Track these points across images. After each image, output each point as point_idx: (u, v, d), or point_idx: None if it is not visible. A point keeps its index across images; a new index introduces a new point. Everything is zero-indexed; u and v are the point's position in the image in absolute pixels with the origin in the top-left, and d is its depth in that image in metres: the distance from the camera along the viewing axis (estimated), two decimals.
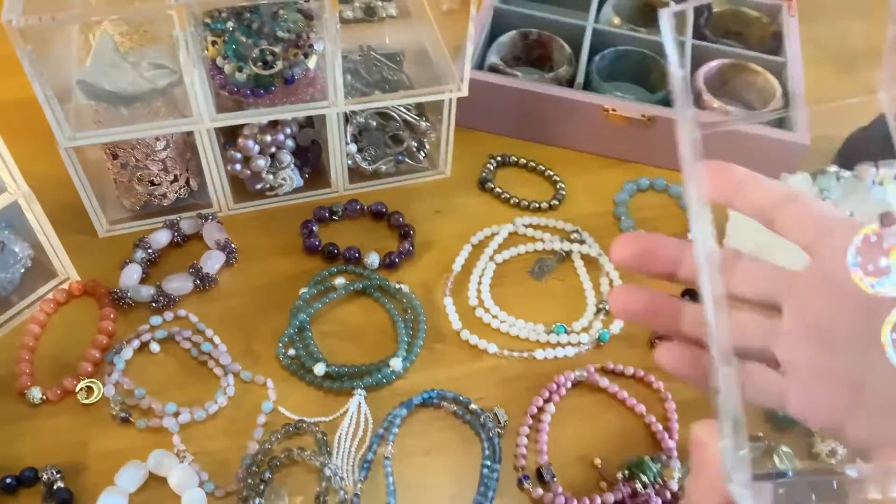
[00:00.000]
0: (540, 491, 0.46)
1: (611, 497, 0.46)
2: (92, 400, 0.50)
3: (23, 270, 0.54)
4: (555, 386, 0.51)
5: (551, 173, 0.66)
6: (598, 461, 0.48)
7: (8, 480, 0.45)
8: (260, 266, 0.58)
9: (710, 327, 0.26)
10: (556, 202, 0.63)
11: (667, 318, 0.32)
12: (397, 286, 0.56)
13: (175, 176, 0.59)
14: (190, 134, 0.56)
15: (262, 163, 0.59)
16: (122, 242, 0.58)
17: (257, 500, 0.45)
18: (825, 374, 0.27)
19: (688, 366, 0.31)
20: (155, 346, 0.52)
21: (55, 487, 0.45)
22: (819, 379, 0.27)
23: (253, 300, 0.56)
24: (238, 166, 0.59)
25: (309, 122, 0.62)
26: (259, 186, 0.60)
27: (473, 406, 0.50)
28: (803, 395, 0.28)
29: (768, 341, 0.29)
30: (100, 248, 0.58)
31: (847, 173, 0.56)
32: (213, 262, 0.56)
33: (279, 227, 0.60)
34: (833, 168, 0.57)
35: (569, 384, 0.52)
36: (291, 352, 0.52)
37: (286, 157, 0.60)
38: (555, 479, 0.47)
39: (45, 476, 0.45)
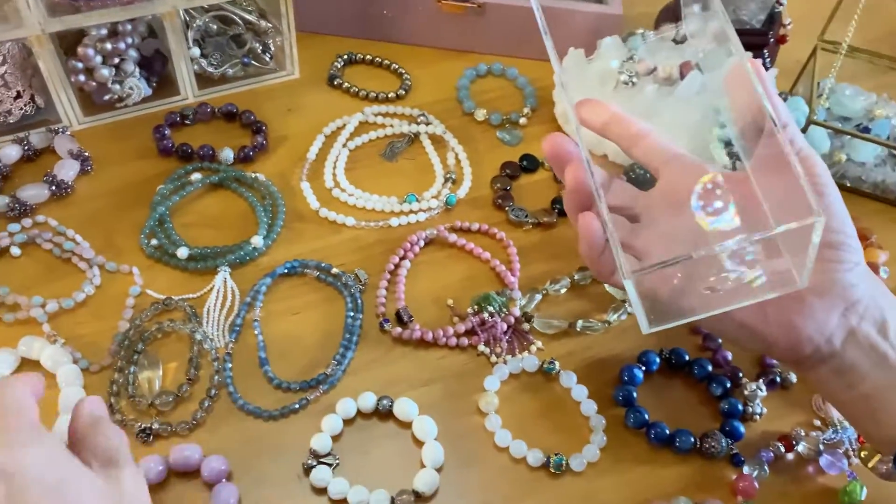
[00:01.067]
0: (399, 330, 0.51)
1: (462, 327, 0.51)
2: None
3: None
4: (408, 244, 0.56)
5: (396, 66, 0.70)
6: (450, 301, 0.53)
7: None
8: (116, 171, 0.59)
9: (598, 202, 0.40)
10: (403, 92, 0.67)
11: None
12: (254, 175, 0.59)
13: (18, 92, 0.59)
14: (30, 51, 0.56)
15: (106, 72, 0.60)
16: None
17: (132, 369, 0.48)
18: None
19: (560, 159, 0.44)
20: (15, 250, 0.53)
21: None
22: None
23: (112, 202, 0.57)
24: (82, 77, 0.59)
25: (151, 33, 0.63)
26: (107, 98, 0.61)
27: (335, 270, 0.54)
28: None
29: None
30: None
31: (651, 34, 0.63)
32: (67, 169, 0.57)
33: (132, 136, 0.62)
34: (640, 30, 0.64)
35: (422, 242, 0.57)
36: (154, 241, 0.54)
37: (130, 66, 0.61)
38: (412, 319, 0.52)
39: None
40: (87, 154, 0.59)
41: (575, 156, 0.43)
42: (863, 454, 0.42)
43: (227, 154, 0.60)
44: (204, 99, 0.64)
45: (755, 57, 0.63)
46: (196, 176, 0.58)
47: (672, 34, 0.64)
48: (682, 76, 0.60)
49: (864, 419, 0.40)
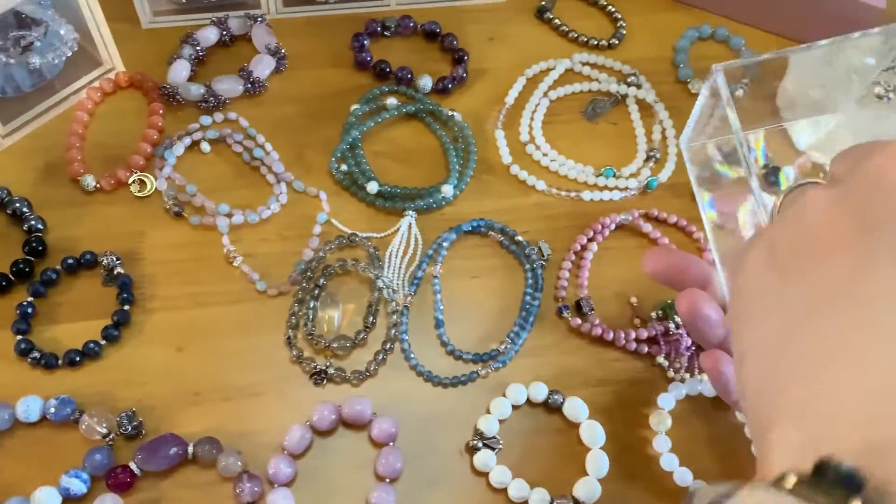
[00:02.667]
0: (578, 321, 0.49)
1: (644, 333, 0.49)
2: (145, 193, 0.50)
3: (69, 53, 0.51)
4: (599, 226, 0.53)
5: (612, 9, 0.63)
6: (634, 299, 0.50)
7: (70, 261, 0.46)
8: (310, 75, 0.56)
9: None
10: (616, 41, 0.61)
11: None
12: (450, 113, 0.55)
13: None
14: None
15: None
16: (167, 37, 0.56)
17: (312, 304, 0.47)
18: None
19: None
20: (206, 146, 0.52)
21: (115, 272, 0.46)
22: None
23: (303, 110, 0.55)
24: None
25: None
26: None
27: (519, 238, 0.51)
28: None
29: None
30: (143, 39, 0.56)
31: None
32: (263, 66, 0.55)
33: (330, 37, 0.58)
34: None
35: (613, 226, 0.53)
36: (344, 167, 0.52)
37: None
38: (592, 311, 0.49)
39: (104, 261, 0.46)
40: (283, 52, 0.56)
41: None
42: None
43: (426, 82, 0.56)
44: (407, 9, 0.60)
45: None
46: (392, 101, 0.55)
47: None
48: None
49: None
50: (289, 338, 0.46)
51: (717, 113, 0.37)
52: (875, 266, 0.22)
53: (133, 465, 0.40)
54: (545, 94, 0.58)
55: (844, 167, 0.27)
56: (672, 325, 0.49)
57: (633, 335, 0.48)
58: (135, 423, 0.41)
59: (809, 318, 0.23)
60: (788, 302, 0.25)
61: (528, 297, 0.49)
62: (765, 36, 0.63)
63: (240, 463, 0.41)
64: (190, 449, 0.41)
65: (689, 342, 0.49)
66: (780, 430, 0.22)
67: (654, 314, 0.50)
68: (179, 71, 0.53)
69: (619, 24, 0.62)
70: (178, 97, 0.52)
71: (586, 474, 0.44)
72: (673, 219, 0.54)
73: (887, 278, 0.22)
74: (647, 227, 0.53)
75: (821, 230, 0.25)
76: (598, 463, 0.44)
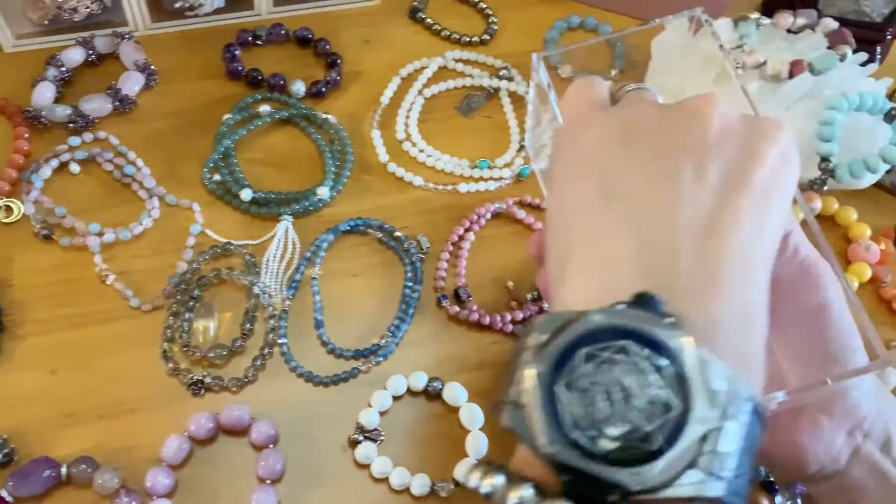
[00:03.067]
0: (456, 308, 0.50)
1: (520, 314, 0.50)
2: (12, 219, 0.49)
3: None
4: (475, 216, 0.54)
5: (484, 6, 0.65)
6: (510, 283, 0.52)
7: None
8: (182, 89, 0.56)
9: None
10: (488, 37, 0.63)
11: None
12: (324, 116, 0.56)
13: None
14: None
15: None
16: (32, 60, 0.55)
17: (187, 315, 0.47)
18: None
19: None
20: (75, 167, 0.51)
21: None
22: None
23: (175, 124, 0.55)
24: None
25: None
26: (178, 5, 0.57)
27: (398, 234, 0.52)
28: None
29: None
30: (6, 64, 0.55)
31: (767, 21, 0.58)
32: (132, 83, 0.54)
33: (200, 50, 0.58)
34: (754, 15, 0.58)
35: (488, 215, 0.54)
36: (217, 177, 0.52)
37: None
38: (470, 298, 0.51)
39: None
40: (152, 67, 0.56)
41: None
42: None
43: (299, 87, 0.57)
44: (278, 18, 0.60)
45: (867, 52, 0.58)
46: (265, 108, 0.56)
47: (788, 23, 0.58)
48: (791, 76, 0.55)
49: None
50: (164, 351, 0.46)
51: (550, 107, 0.38)
52: (669, 176, 0.27)
53: (4, 493, 0.40)
54: (420, 93, 0.59)
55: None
56: (546, 305, 0.50)
57: (510, 317, 0.50)
58: (6, 451, 0.41)
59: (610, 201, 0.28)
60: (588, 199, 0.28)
61: (407, 290, 0.50)
62: (633, 23, 0.65)
63: (117, 479, 0.41)
64: (63, 470, 0.41)
65: None
66: (571, 288, 0.27)
67: (529, 296, 0.51)
68: (44, 93, 0.53)
69: (490, 20, 0.64)
70: (43, 120, 0.52)
71: (467, 456, 0.45)
72: (545, 203, 0.55)
73: (671, 186, 0.27)
74: (522, 214, 0.55)
75: (642, 126, 0.29)
76: (477, 444, 0.45)
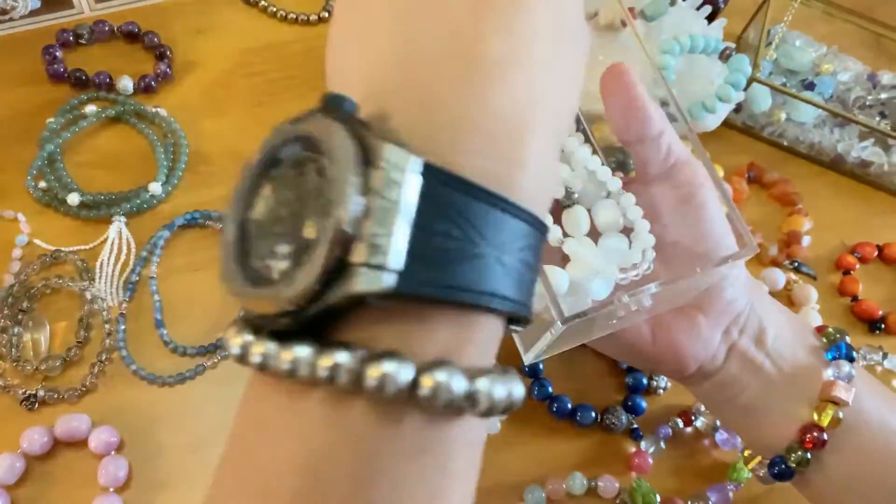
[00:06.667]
0: None
1: None
2: None
3: None
4: None
5: None
6: None
7: None
8: (0, 98, 0.54)
9: None
10: (326, 14, 0.62)
11: None
12: (154, 110, 0.54)
13: None
14: None
15: None
16: None
17: (16, 330, 0.45)
18: None
19: None
20: None
21: None
22: None
23: None
24: None
25: None
26: None
27: None
28: None
29: None
30: None
31: None
32: None
33: (19, 55, 0.55)
34: None
35: None
36: (43, 184, 0.50)
37: None
38: None
39: None
40: None
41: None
42: (746, 454, 0.43)
43: (126, 83, 0.55)
44: (102, 14, 0.58)
45: None
46: (91, 108, 0.53)
47: None
48: (624, 25, 0.56)
49: (744, 429, 0.40)
50: None
51: None
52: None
53: None
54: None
55: None
56: None
57: None
58: None
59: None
60: None
61: None
62: None
63: None
64: None
65: None
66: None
67: None
68: None
69: None
70: None
71: None
72: None
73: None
74: None
75: None
76: None
